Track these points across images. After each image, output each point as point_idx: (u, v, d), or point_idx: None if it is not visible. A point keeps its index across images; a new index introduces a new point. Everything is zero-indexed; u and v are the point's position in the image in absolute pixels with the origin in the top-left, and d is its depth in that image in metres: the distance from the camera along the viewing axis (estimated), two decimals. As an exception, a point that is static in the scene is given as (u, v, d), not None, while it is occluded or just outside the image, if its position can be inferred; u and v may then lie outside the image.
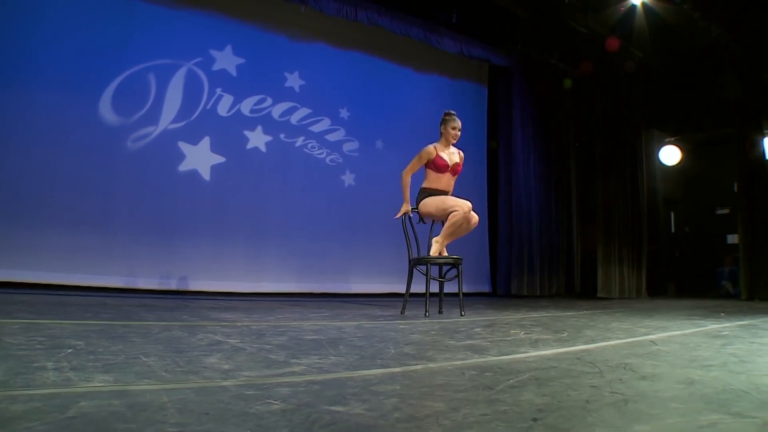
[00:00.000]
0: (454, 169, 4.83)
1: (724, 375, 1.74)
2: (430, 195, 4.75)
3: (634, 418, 1.24)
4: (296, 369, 1.96)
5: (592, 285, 8.81)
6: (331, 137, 8.51)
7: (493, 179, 9.66)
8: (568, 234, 9.60)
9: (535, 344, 2.60)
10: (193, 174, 7.39)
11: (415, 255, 4.87)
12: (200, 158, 7.43)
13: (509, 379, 1.72)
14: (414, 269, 4.81)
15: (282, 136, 8.08)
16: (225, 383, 1.72)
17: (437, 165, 4.74)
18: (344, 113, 8.61)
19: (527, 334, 3.13)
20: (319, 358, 2.17)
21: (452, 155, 4.86)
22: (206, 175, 7.47)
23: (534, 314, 4.93)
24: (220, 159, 7.57)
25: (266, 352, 2.32)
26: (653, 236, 9.05)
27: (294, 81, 8.20)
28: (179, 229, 7.15)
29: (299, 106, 8.22)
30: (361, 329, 3.33)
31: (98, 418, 1.31)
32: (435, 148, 4.82)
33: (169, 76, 7.23)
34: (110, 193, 6.72)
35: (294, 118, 8.19)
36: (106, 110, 6.77)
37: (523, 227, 9.08)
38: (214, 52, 7.57)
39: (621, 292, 8.27)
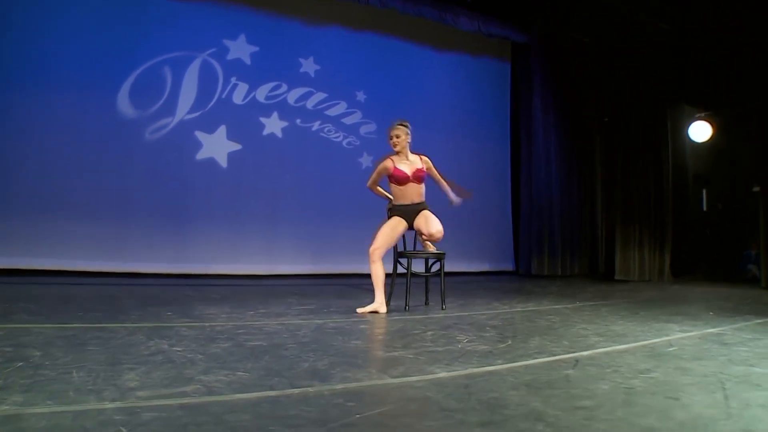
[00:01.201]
0: (416, 176, 4.63)
1: (568, 426, 1.78)
2: (394, 213, 4.72)
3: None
4: (189, 389, 2.14)
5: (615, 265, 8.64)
6: (348, 120, 8.62)
7: (517, 158, 9.56)
8: (591, 214, 9.43)
9: (452, 361, 2.69)
10: (211, 162, 7.68)
11: (400, 248, 4.96)
12: (217, 146, 7.72)
13: (359, 414, 1.84)
14: (397, 262, 4.91)
15: (298, 121, 8.25)
16: (109, 405, 1.92)
17: (397, 178, 4.62)
18: (361, 96, 8.69)
19: (470, 341, 3.22)
20: (226, 374, 2.35)
21: (412, 164, 4.65)
22: (223, 162, 7.75)
23: (518, 308, 4.98)
24: (237, 146, 7.83)
25: (189, 365, 2.51)
26: (680, 215, 8.76)
27: (309, 66, 8.33)
28: (197, 215, 7.49)
29: (315, 90, 8.36)
30: (316, 331, 3.50)
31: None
32: (392, 160, 4.67)
33: (184, 68, 7.50)
34: (130, 184, 7.11)
35: (310, 103, 8.34)
36: (124, 104, 7.11)
37: (543, 207, 9.00)
38: (227, 42, 7.77)
39: (641, 274, 8.08)
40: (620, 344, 3.16)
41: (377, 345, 3.12)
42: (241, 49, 7.87)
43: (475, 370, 2.51)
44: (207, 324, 3.68)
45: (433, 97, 9.13)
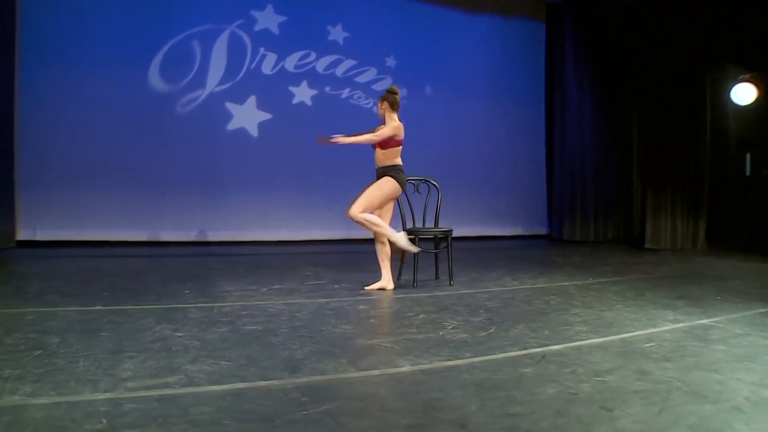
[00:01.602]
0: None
1: None
2: None
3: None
4: (173, 379, 2.46)
5: (650, 231, 8.55)
6: (378, 86, 8.72)
7: (552, 120, 9.51)
8: (627, 178, 9.33)
9: (424, 352, 2.93)
10: (242, 132, 8.00)
11: (409, 225, 5.15)
12: (247, 116, 8.02)
13: (306, 411, 2.11)
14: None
15: (327, 89, 8.44)
16: (100, 396, 2.25)
17: None
18: (390, 61, 8.78)
19: (455, 327, 3.45)
20: (211, 364, 2.67)
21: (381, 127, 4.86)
22: (254, 132, 8.06)
23: (527, 284, 5.14)
24: (267, 116, 8.11)
25: (183, 353, 2.84)
26: (720, 181, 8.55)
27: (337, 34, 8.44)
28: (229, 184, 7.86)
29: (344, 58, 8.50)
30: (315, 312, 3.82)
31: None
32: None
33: (213, 41, 7.77)
34: (164, 156, 7.51)
35: (339, 71, 8.49)
36: (155, 79, 7.46)
37: (575, 171, 9.01)
38: (255, 13, 7.96)
39: (673, 242, 7.97)
40: (599, 337, 3.29)
41: (363, 331, 3.37)
42: (268, 19, 8.03)
43: (439, 364, 2.73)
44: (217, 305, 4.02)
45: (466, 61, 9.11)
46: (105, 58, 7.14)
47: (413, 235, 4.95)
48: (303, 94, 8.30)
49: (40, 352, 2.79)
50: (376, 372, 2.59)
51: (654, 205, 7.90)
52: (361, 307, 4.07)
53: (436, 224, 5.31)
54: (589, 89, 9.01)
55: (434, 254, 5.33)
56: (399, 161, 4.76)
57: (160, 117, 7.50)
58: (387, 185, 4.66)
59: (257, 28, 7.99)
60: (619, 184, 9.28)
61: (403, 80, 8.79)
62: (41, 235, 6.77)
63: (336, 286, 4.90)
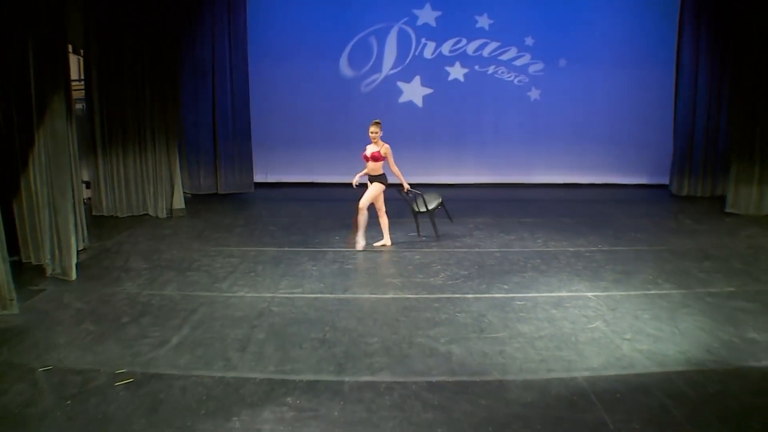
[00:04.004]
0: (373, 157, 8.43)
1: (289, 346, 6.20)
2: None
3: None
4: (295, 290, 6.94)
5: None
6: (518, 62, 12.12)
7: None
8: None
9: (402, 289, 7.03)
10: (409, 104, 12.23)
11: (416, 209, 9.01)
12: (414, 92, 12.17)
13: (331, 309, 6.48)
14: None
15: (476, 67, 12.14)
16: (267, 295, 6.84)
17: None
18: (529, 41, 12.03)
19: (442, 277, 7.39)
20: (309, 285, 7.05)
21: (372, 148, 8.52)
22: (419, 103, 12.22)
23: (545, 247, 8.61)
24: (429, 90, 12.16)
25: (308, 278, 7.30)
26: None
27: (484, 21, 11.95)
28: (401, 143, 12.17)
29: (489, 41, 12.03)
30: (386, 261, 8.01)
31: (218, 303, 6.63)
32: (366, 147, 8.60)
33: (386, 36, 11.94)
34: (352, 123, 12.09)
35: (485, 52, 12.07)
36: (344, 67, 11.97)
37: (687, 130, 11.39)
38: (416, 11, 11.89)
39: (758, 207, 9.84)
40: (504, 293, 6.83)
41: (397, 273, 7.45)
42: (427, 15, 11.84)
43: (401, 295, 6.76)
44: (344, 250, 8.44)
45: (597, 32, 11.87)
46: (308, 53, 11.81)
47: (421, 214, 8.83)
48: (457, 72, 12.10)
49: (253, 274, 7.49)
50: (372, 296, 6.76)
51: (738, 171, 9.89)
52: (416, 257, 8.17)
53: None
54: (705, 59, 11.06)
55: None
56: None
57: (349, 95, 12.07)
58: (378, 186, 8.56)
59: (419, 23, 11.89)
60: (726, 148, 11.26)
61: (540, 56, 12.01)
62: (271, 178, 12.02)
63: (425, 238, 9.02)
